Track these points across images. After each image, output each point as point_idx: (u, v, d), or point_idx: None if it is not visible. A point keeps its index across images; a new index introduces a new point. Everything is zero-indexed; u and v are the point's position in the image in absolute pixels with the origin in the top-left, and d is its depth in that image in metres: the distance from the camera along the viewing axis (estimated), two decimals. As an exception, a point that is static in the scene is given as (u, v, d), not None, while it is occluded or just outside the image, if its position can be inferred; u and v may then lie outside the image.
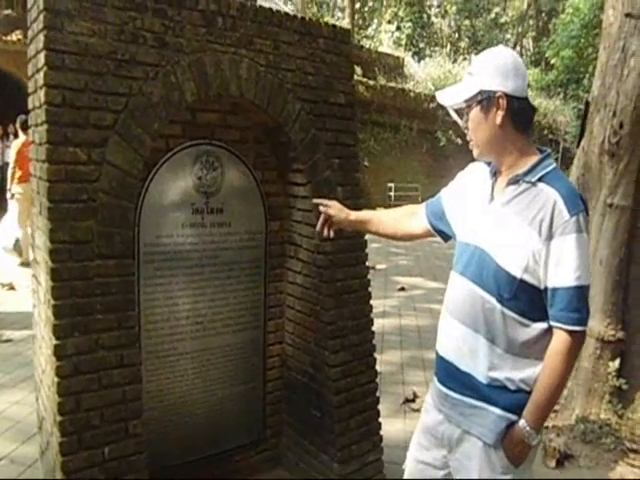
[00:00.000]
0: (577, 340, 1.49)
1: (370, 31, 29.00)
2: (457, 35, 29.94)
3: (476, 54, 26.41)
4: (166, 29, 2.10)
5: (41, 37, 1.88)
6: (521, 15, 31.40)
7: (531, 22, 32.36)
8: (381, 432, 2.75)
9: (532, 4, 30.46)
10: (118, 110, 1.99)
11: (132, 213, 2.05)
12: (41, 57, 1.89)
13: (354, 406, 2.61)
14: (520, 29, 32.34)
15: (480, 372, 1.59)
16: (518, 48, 33.13)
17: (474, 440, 1.61)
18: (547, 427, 3.57)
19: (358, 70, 17.15)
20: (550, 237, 1.47)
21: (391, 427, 3.40)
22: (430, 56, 24.73)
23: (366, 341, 2.70)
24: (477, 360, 1.60)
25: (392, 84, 18.08)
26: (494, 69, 1.54)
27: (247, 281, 2.67)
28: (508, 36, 33.27)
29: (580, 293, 1.47)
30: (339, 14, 28.91)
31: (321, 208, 2.03)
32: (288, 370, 2.82)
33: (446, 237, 1.87)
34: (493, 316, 1.56)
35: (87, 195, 1.92)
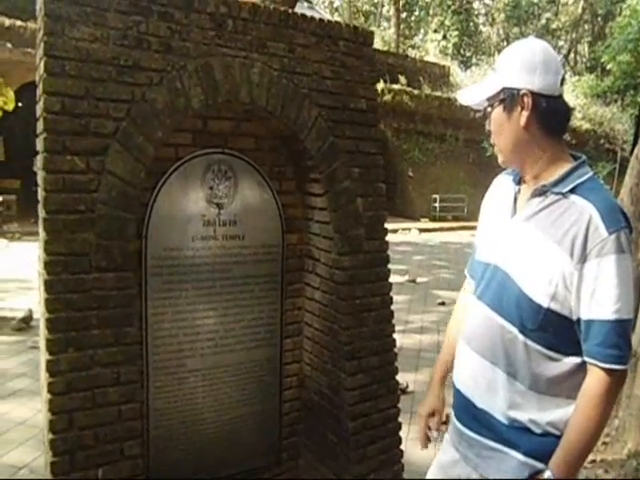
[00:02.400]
0: (615, 380, 1.27)
1: (416, 40, 28.75)
2: (505, 43, 29.18)
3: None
4: (172, 33, 2.02)
5: (42, 44, 1.83)
6: (575, 20, 30.35)
7: (586, 27, 31.24)
8: (403, 460, 2.56)
9: (587, 8, 29.40)
10: (120, 117, 1.91)
11: (132, 224, 1.97)
12: (42, 64, 1.84)
13: (373, 432, 2.43)
14: (574, 34, 31.27)
15: (499, 410, 1.39)
16: (572, 54, 32.09)
17: None
18: (594, 461, 3.27)
19: (402, 79, 16.96)
20: (584, 259, 1.25)
21: (421, 451, 3.19)
22: (477, 64, 24.22)
23: (387, 363, 2.52)
24: (496, 397, 1.40)
25: (438, 93, 17.76)
26: (519, 64, 1.34)
27: (262, 296, 2.54)
28: (561, 42, 32.27)
29: (620, 327, 1.25)
30: (385, 24, 28.81)
31: (432, 435, 1.70)
32: (306, 391, 2.67)
33: None
34: (514, 348, 1.35)
35: (85, 206, 1.85)
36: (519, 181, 1.46)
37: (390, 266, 2.59)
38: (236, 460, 2.56)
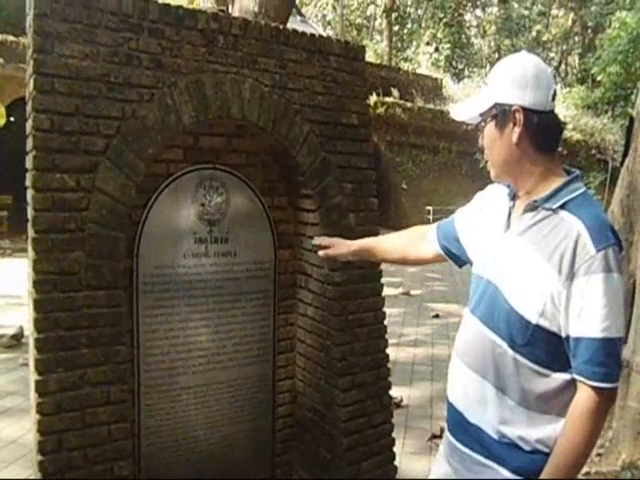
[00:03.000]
0: (604, 398, 1.24)
1: (408, 53, 29.00)
2: (497, 55, 29.47)
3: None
4: (163, 49, 2.02)
5: (31, 61, 1.83)
6: (565, 32, 30.72)
7: (576, 39, 31.63)
8: (397, 476, 2.53)
9: (577, 20, 29.80)
10: (110, 134, 1.91)
11: (123, 243, 1.95)
12: (31, 81, 1.84)
13: (366, 449, 2.41)
14: (565, 46, 31.65)
15: (489, 425, 1.38)
16: (563, 66, 32.44)
17: None
18: (589, 472, 3.25)
19: (395, 92, 17.06)
20: (572, 277, 1.23)
21: (416, 465, 3.16)
22: (469, 77, 24.44)
23: (381, 378, 2.50)
24: (486, 412, 1.38)
25: (430, 106, 17.87)
26: (511, 79, 1.33)
27: (254, 312, 2.53)
28: (552, 54, 32.63)
29: (608, 346, 1.23)
30: (377, 37, 29.06)
31: (320, 253, 1.93)
32: (299, 407, 2.64)
33: (460, 262, 1.67)
34: (504, 363, 1.34)
35: (75, 224, 1.84)
36: (514, 196, 1.44)
37: (384, 279, 2.58)
38: (229, 477, 2.53)
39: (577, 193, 1.32)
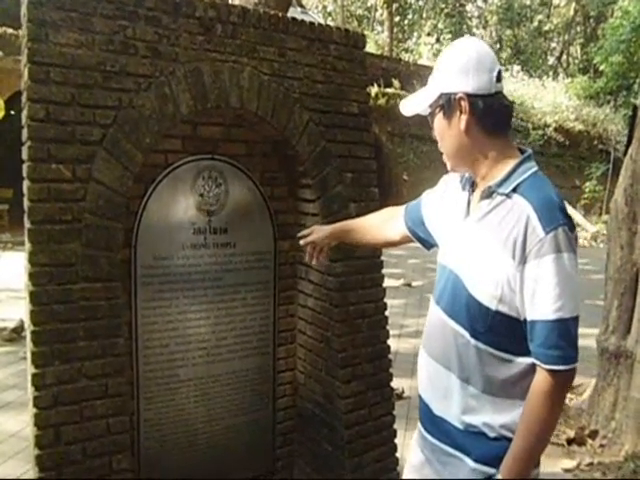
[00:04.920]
0: (559, 380, 1.24)
1: (410, 44, 28.81)
2: (499, 45, 29.26)
3: (518, 64, 25.79)
4: (160, 38, 1.99)
5: (26, 50, 1.80)
6: (567, 22, 30.48)
7: (578, 29, 31.39)
8: (398, 468, 2.52)
9: (579, 10, 29.56)
10: (107, 124, 1.88)
11: (121, 233, 1.93)
12: (26, 71, 1.81)
13: (368, 441, 2.40)
14: (567, 36, 31.41)
15: (454, 416, 1.38)
16: (565, 56, 32.22)
17: None
18: (592, 464, 3.24)
19: (396, 83, 16.96)
20: (524, 261, 1.23)
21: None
22: (471, 67, 24.22)
23: (382, 370, 2.48)
24: (451, 402, 1.38)
25: (432, 96, 17.74)
26: (454, 67, 1.32)
27: (254, 304, 2.51)
28: (553, 44, 32.40)
29: (561, 327, 1.22)
30: (378, 28, 28.88)
31: (301, 242, 1.94)
32: (300, 399, 2.63)
33: (428, 245, 1.66)
34: (467, 352, 1.34)
35: (72, 215, 1.81)
36: (472, 183, 1.43)
37: (385, 270, 2.56)
38: (230, 470, 2.52)
39: (528, 174, 1.31)
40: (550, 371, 1.23)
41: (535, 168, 1.33)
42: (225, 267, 2.41)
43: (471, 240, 1.35)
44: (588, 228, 14.90)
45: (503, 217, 1.28)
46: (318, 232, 1.92)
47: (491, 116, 1.32)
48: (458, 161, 1.40)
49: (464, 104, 1.31)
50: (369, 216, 1.91)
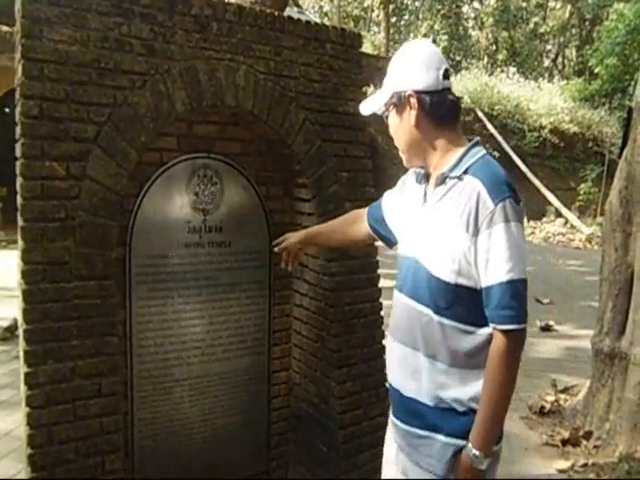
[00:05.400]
0: (512, 340, 1.33)
1: (406, 45, 28.83)
2: (494, 47, 29.35)
3: (514, 66, 25.86)
4: (155, 35, 1.98)
5: (20, 46, 1.78)
6: (563, 24, 30.59)
7: (574, 31, 31.50)
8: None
9: (575, 13, 29.67)
10: (101, 122, 1.86)
11: (115, 232, 1.91)
12: (20, 67, 1.79)
13: (362, 441, 2.39)
14: (562, 39, 31.52)
15: (425, 394, 1.44)
16: (560, 58, 32.33)
17: (425, 474, 1.45)
18: (586, 464, 3.24)
19: (392, 83, 16.94)
20: (477, 232, 1.34)
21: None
22: (467, 69, 24.31)
23: (377, 370, 2.47)
24: (421, 381, 1.45)
25: (428, 97, 17.75)
26: (404, 67, 1.46)
27: (249, 303, 2.50)
28: (549, 46, 32.51)
29: (512, 288, 1.32)
30: (375, 29, 28.90)
31: (275, 249, 2.04)
32: (295, 399, 2.62)
33: (390, 244, 1.76)
34: (431, 329, 1.42)
35: (65, 213, 1.79)
36: (427, 176, 1.53)
37: (381, 270, 2.55)
38: (224, 470, 2.51)
39: (477, 157, 1.42)
40: (504, 332, 1.32)
41: (483, 152, 1.44)
42: (220, 266, 2.39)
43: (429, 224, 1.44)
44: (583, 230, 14.93)
45: (457, 197, 1.38)
46: (290, 239, 2.02)
47: (439, 110, 1.43)
48: (412, 155, 1.51)
49: (413, 100, 1.42)
50: (336, 220, 2.03)
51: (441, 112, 1.43)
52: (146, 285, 2.22)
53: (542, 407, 3.89)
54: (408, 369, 1.47)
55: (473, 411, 1.38)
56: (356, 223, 1.87)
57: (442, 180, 1.43)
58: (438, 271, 1.39)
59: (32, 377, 1.73)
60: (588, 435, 3.47)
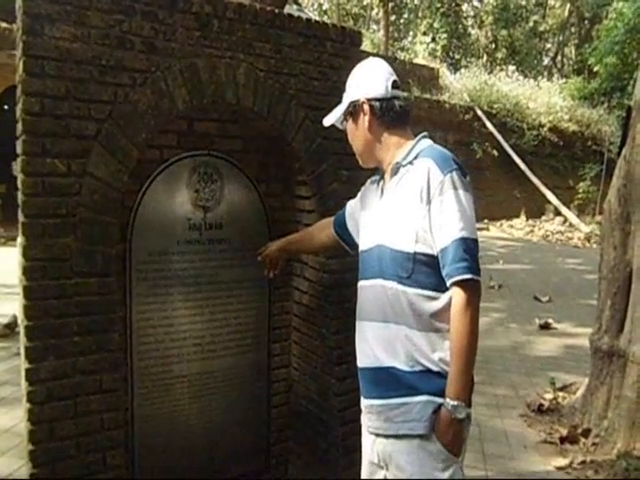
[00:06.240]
0: (470, 290, 1.44)
1: (405, 43, 28.83)
2: (494, 45, 29.30)
3: (513, 64, 25.83)
4: (156, 33, 1.98)
5: (21, 43, 1.78)
6: (562, 23, 30.59)
7: (573, 30, 31.50)
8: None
9: (574, 11, 29.66)
10: (102, 119, 1.87)
11: (116, 228, 1.92)
12: (21, 64, 1.79)
13: (362, 438, 2.39)
14: (561, 37, 31.52)
15: (402, 360, 1.53)
16: (559, 57, 32.34)
17: (406, 440, 1.52)
18: (584, 462, 3.26)
19: (392, 82, 16.93)
20: (430, 201, 1.48)
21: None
22: (466, 67, 24.30)
23: (377, 367, 2.48)
24: (395, 350, 1.54)
25: (427, 96, 17.79)
26: (358, 80, 1.67)
27: (249, 300, 2.50)
28: (548, 45, 32.51)
29: (465, 244, 1.45)
30: (374, 27, 28.87)
31: (258, 258, 2.26)
32: (295, 396, 2.63)
33: (353, 247, 1.89)
34: (398, 299, 1.53)
35: (66, 209, 1.80)
36: (382, 176, 1.69)
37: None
38: (224, 466, 2.52)
39: (426, 145, 1.59)
40: (462, 283, 1.44)
41: (431, 142, 1.61)
42: (220, 263, 2.40)
43: (388, 210, 1.59)
44: (582, 228, 14.95)
45: (411, 178, 1.54)
46: (269, 246, 2.24)
47: (388, 114, 1.62)
48: (367, 156, 1.69)
49: (366, 107, 1.62)
50: (309, 228, 2.22)
51: (391, 116, 1.62)
52: (146, 282, 2.23)
53: (541, 405, 3.91)
54: (382, 341, 1.57)
55: (446, 372, 1.48)
56: (325, 231, 2.03)
57: (396, 170, 1.60)
58: (399, 244, 1.52)
59: (33, 373, 1.74)
60: (586, 433, 3.48)
